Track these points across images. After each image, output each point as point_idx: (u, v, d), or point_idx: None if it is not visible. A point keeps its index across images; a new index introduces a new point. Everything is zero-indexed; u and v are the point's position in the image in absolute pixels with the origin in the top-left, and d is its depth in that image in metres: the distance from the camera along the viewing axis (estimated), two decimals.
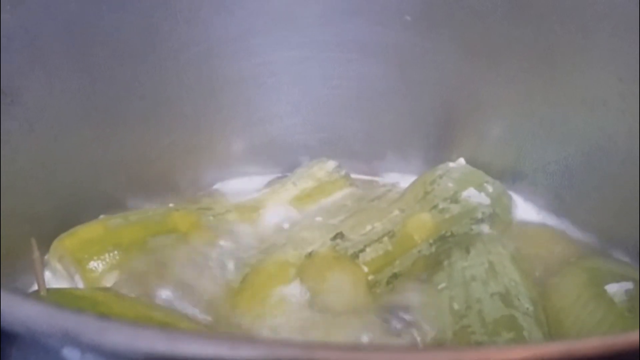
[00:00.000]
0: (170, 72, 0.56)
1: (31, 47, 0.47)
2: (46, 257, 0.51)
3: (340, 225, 0.54)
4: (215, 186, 0.64)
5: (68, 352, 0.22)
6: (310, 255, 0.51)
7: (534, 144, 0.59)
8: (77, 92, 0.52)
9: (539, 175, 0.60)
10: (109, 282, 0.49)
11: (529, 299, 0.50)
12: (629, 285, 0.50)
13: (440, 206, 0.55)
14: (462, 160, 0.61)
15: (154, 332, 0.22)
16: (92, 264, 0.49)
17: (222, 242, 0.54)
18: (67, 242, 0.50)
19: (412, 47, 0.58)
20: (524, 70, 0.55)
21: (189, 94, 0.58)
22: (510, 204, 0.60)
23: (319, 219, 0.58)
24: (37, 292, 0.44)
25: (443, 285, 0.51)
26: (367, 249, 0.50)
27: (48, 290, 0.45)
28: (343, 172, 0.62)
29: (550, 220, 0.60)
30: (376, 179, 0.66)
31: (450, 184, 0.57)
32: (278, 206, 0.58)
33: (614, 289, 0.49)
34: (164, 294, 0.48)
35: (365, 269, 0.49)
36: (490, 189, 0.58)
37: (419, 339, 0.49)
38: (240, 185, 0.64)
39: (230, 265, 0.52)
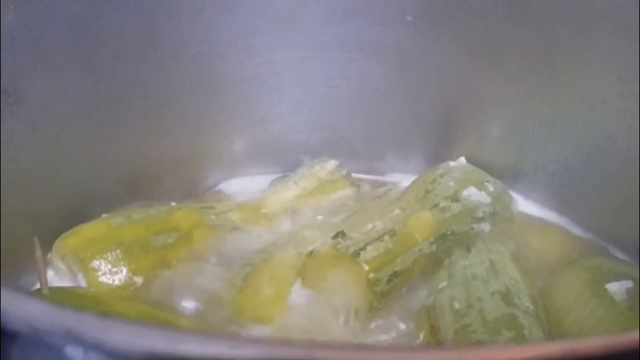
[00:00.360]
0: (172, 72, 0.56)
1: (35, 48, 0.47)
2: (49, 256, 0.51)
3: (341, 224, 0.54)
4: (217, 185, 0.64)
5: (71, 350, 0.22)
6: (311, 254, 0.51)
7: (534, 143, 0.59)
8: (80, 91, 0.52)
9: (539, 174, 0.60)
10: (111, 280, 0.49)
11: (530, 297, 0.50)
12: (629, 283, 0.50)
13: (441, 205, 0.55)
14: (462, 160, 0.61)
15: (155, 331, 0.22)
16: (95, 263, 0.49)
17: (223, 241, 0.54)
18: (69, 241, 0.50)
19: (412, 47, 0.58)
20: (524, 70, 0.56)
21: (190, 93, 0.58)
22: (510, 202, 0.60)
23: (320, 217, 0.58)
24: (39, 290, 0.45)
25: (444, 284, 0.51)
26: (368, 248, 0.50)
27: (51, 289, 0.45)
28: (344, 172, 0.62)
29: (551, 219, 0.60)
30: (377, 178, 0.66)
31: (451, 183, 0.57)
32: (279, 205, 0.59)
33: (615, 287, 0.49)
34: (166, 293, 0.49)
35: (366, 268, 0.49)
36: (490, 187, 0.58)
37: (419, 338, 0.49)
38: (242, 185, 0.64)
39: (232, 264, 0.52)
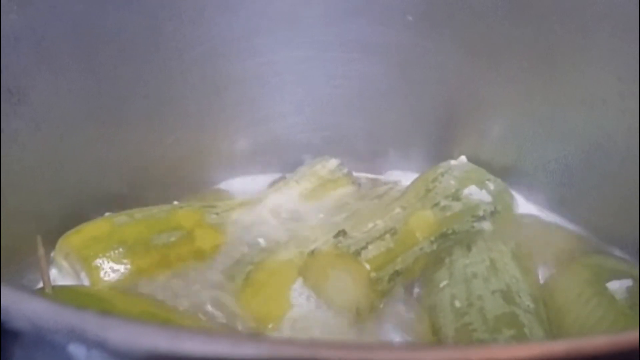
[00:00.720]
0: (174, 72, 0.56)
1: (38, 47, 0.48)
2: (52, 254, 0.51)
3: (342, 223, 0.54)
4: (219, 184, 0.64)
5: (74, 348, 0.22)
6: (312, 252, 0.51)
7: (534, 142, 0.59)
8: (83, 91, 0.52)
9: (539, 174, 0.60)
10: (114, 279, 0.49)
11: (530, 296, 0.50)
12: (629, 282, 0.50)
13: (442, 204, 0.55)
14: (463, 158, 0.61)
15: (158, 330, 0.22)
16: (98, 261, 0.49)
17: (225, 240, 0.54)
18: (72, 239, 0.50)
19: (413, 47, 0.58)
20: (524, 70, 0.56)
21: (193, 93, 0.58)
22: (511, 201, 0.60)
23: (321, 216, 0.58)
24: (42, 289, 0.45)
25: (444, 282, 0.51)
26: (369, 247, 0.50)
27: (54, 287, 0.45)
28: (345, 171, 0.62)
29: (551, 217, 0.60)
30: (378, 177, 0.66)
31: (452, 182, 0.57)
32: (281, 204, 0.59)
33: (615, 286, 0.49)
34: (168, 291, 0.49)
35: (368, 267, 0.49)
36: (491, 186, 0.58)
37: (420, 337, 0.49)
38: (244, 184, 0.64)
39: (233, 263, 0.52)
